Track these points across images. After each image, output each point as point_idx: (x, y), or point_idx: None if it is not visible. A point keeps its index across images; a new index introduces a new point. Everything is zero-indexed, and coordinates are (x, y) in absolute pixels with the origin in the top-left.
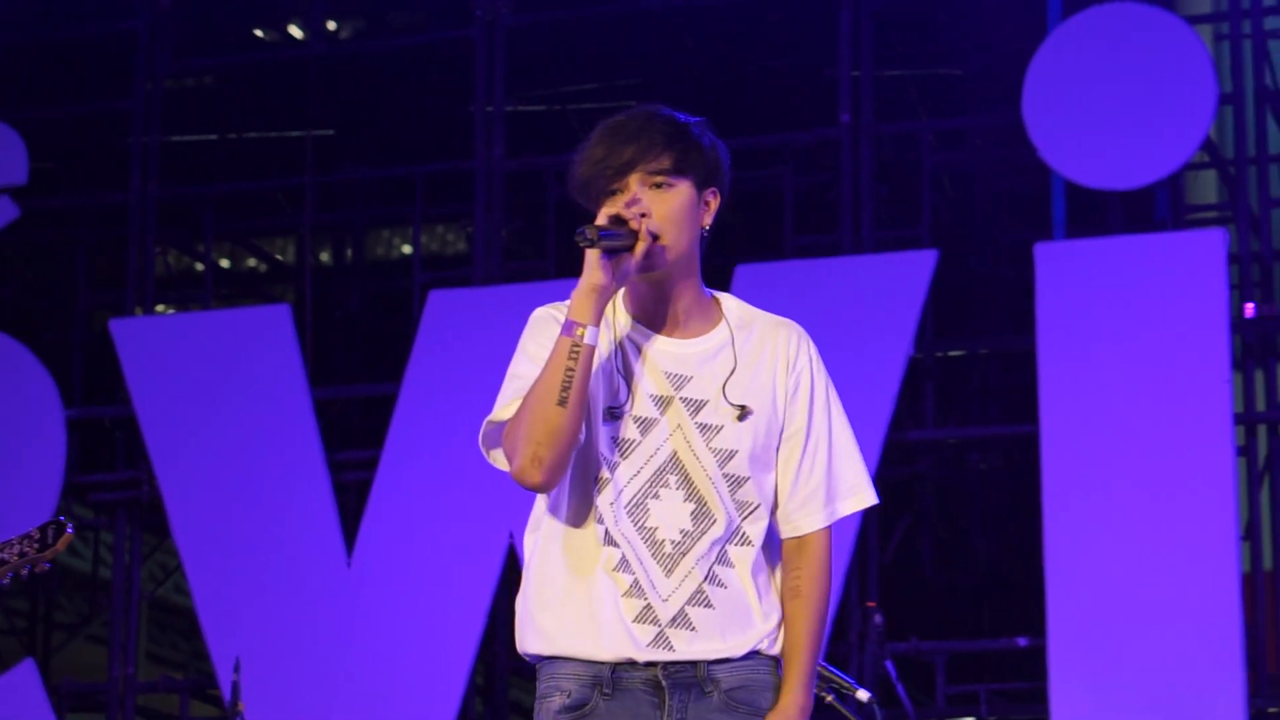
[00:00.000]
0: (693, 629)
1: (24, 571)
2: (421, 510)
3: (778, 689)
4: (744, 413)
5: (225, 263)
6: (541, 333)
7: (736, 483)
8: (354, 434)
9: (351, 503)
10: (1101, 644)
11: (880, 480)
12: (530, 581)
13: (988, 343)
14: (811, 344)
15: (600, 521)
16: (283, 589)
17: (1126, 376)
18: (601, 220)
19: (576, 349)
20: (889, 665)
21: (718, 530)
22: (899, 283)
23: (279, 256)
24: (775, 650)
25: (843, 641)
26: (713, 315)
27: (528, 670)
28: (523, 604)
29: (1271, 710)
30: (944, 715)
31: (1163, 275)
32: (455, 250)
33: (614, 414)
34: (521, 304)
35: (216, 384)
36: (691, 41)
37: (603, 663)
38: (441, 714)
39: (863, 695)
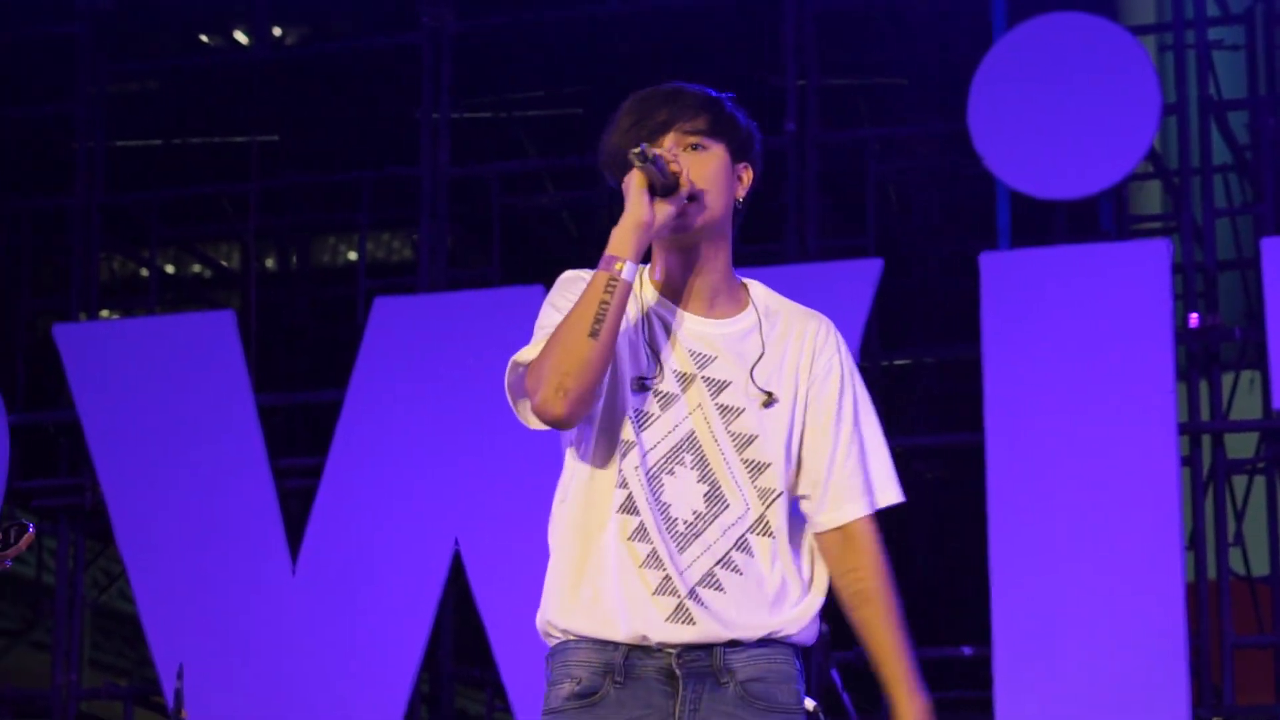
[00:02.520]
0: (706, 606)
1: None
2: (366, 517)
3: (797, 681)
4: (770, 399)
5: (170, 268)
6: (570, 288)
7: (757, 469)
8: (298, 441)
9: (296, 510)
10: (1046, 653)
11: None
12: (553, 555)
13: (933, 352)
14: (840, 336)
15: (624, 486)
16: (227, 596)
17: (1071, 386)
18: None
19: (614, 283)
20: (834, 674)
21: (731, 516)
22: (844, 291)
23: (224, 262)
24: (795, 638)
25: None
26: (740, 298)
27: (473, 678)
28: (549, 578)
29: None
30: None
31: (1107, 285)
32: (400, 257)
33: (643, 385)
34: (466, 312)
35: (160, 390)
36: (637, 49)
37: (616, 646)
38: None
39: (809, 704)
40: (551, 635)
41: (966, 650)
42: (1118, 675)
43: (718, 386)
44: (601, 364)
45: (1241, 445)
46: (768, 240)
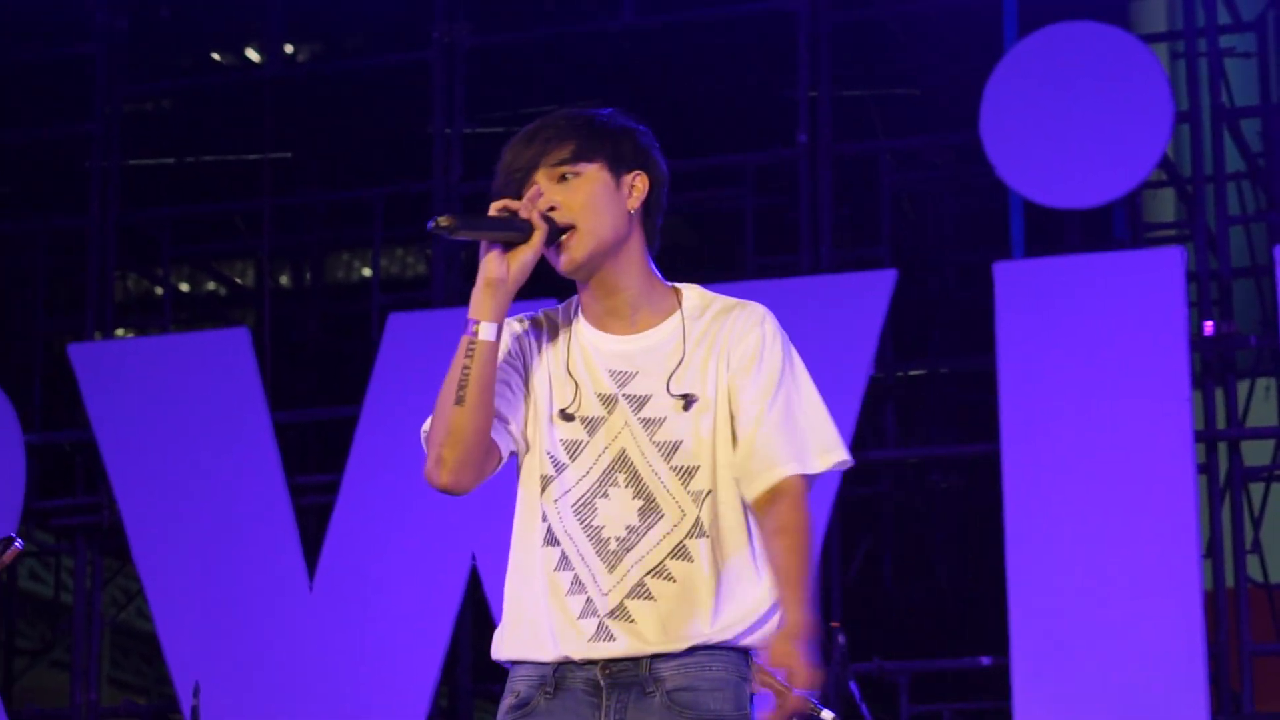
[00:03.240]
0: (631, 620)
1: None
2: (383, 533)
3: (736, 687)
4: (688, 401)
5: (185, 286)
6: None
7: (687, 474)
8: (314, 457)
9: (312, 526)
10: (1064, 662)
11: (842, 500)
12: (506, 597)
13: (948, 362)
14: (770, 320)
15: (544, 520)
16: (244, 613)
17: (1086, 395)
18: (492, 213)
19: (472, 345)
20: (853, 686)
21: (666, 525)
22: (859, 302)
23: (238, 280)
24: (740, 640)
25: None
26: (666, 307)
27: (492, 693)
28: (503, 610)
29: None
30: None
31: (1121, 294)
32: (415, 272)
33: (566, 415)
34: None
35: (176, 407)
36: (649, 63)
37: (546, 663)
38: None
39: (827, 716)
40: (503, 663)
41: (985, 660)
42: (1136, 684)
43: (639, 402)
44: (474, 429)
45: (1258, 452)
46: (782, 252)
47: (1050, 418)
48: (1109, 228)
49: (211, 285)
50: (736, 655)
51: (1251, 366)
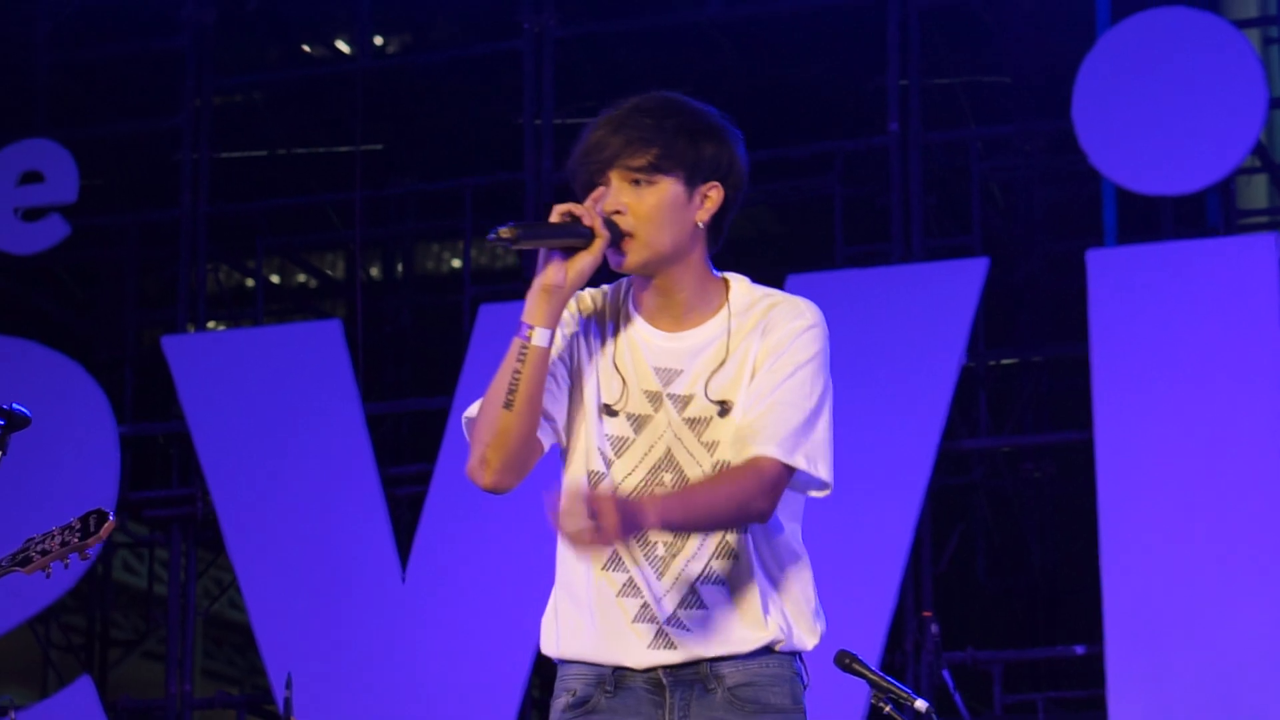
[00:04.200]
0: (687, 629)
1: (67, 559)
2: (475, 523)
3: (791, 683)
4: (724, 408)
5: (275, 278)
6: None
7: None
8: (406, 448)
9: (405, 517)
10: (1158, 651)
11: (934, 490)
12: (555, 583)
13: (1040, 350)
14: (814, 316)
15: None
16: (337, 604)
17: (1179, 382)
18: (555, 217)
19: (525, 350)
20: (946, 675)
21: None
22: (950, 291)
23: (329, 272)
24: (792, 640)
25: (899, 651)
26: (715, 304)
27: None
28: (549, 600)
29: None
30: None
31: (1215, 281)
32: (504, 264)
33: (610, 411)
34: None
35: (268, 400)
36: (738, 52)
37: (604, 665)
38: None
39: (920, 705)
40: (550, 656)
41: (1079, 649)
42: (1230, 673)
43: (683, 401)
44: (520, 433)
45: None
46: (874, 240)
47: (1143, 406)
48: (1203, 215)
49: (302, 277)
50: (790, 657)
51: None
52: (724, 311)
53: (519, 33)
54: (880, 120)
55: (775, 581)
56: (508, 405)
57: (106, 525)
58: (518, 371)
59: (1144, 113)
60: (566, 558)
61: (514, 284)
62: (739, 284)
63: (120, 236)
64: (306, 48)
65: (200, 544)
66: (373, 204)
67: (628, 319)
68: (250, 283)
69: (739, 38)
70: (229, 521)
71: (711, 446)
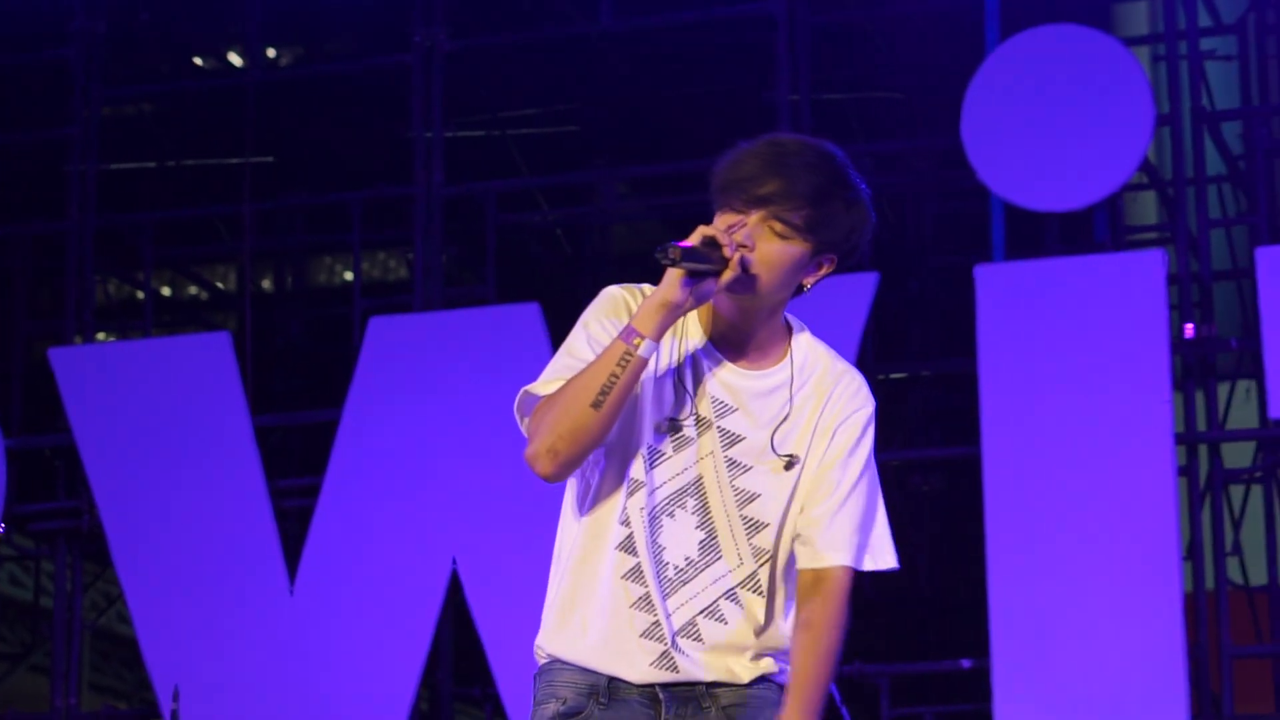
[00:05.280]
0: (685, 654)
1: None
2: (364, 537)
3: (775, 708)
4: (791, 461)
5: (166, 291)
6: (609, 314)
7: (755, 526)
8: (295, 461)
9: (293, 530)
10: (1045, 665)
11: None
12: (552, 576)
13: (929, 365)
14: (870, 400)
15: (626, 524)
16: (225, 617)
17: (1067, 397)
18: (695, 240)
19: (628, 357)
20: (833, 688)
21: (722, 568)
22: (840, 305)
23: (219, 284)
24: (784, 678)
25: None
26: (779, 350)
27: (472, 697)
28: (548, 598)
29: None
30: None
31: (1102, 296)
32: (396, 276)
33: (659, 427)
34: (462, 330)
35: (157, 412)
36: (630, 66)
37: (599, 673)
38: None
39: None
40: (540, 656)
41: (965, 663)
42: (1116, 686)
43: (731, 439)
44: (599, 434)
45: (1238, 455)
46: None
47: (1031, 420)
48: (1090, 231)
49: (193, 289)
50: (783, 687)
51: (1232, 369)
52: (786, 364)
53: (410, 46)
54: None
55: (778, 625)
56: (596, 405)
57: None
58: (615, 375)
59: (1032, 129)
60: (579, 556)
61: (404, 297)
62: (801, 336)
63: (8, 247)
64: (198, 59)
65: (87, 557)
66: (263, 216)
67: (693, 336)
68: (140, 295)
69: (630, 51)
70: (116, 534)
71: (743, 495)
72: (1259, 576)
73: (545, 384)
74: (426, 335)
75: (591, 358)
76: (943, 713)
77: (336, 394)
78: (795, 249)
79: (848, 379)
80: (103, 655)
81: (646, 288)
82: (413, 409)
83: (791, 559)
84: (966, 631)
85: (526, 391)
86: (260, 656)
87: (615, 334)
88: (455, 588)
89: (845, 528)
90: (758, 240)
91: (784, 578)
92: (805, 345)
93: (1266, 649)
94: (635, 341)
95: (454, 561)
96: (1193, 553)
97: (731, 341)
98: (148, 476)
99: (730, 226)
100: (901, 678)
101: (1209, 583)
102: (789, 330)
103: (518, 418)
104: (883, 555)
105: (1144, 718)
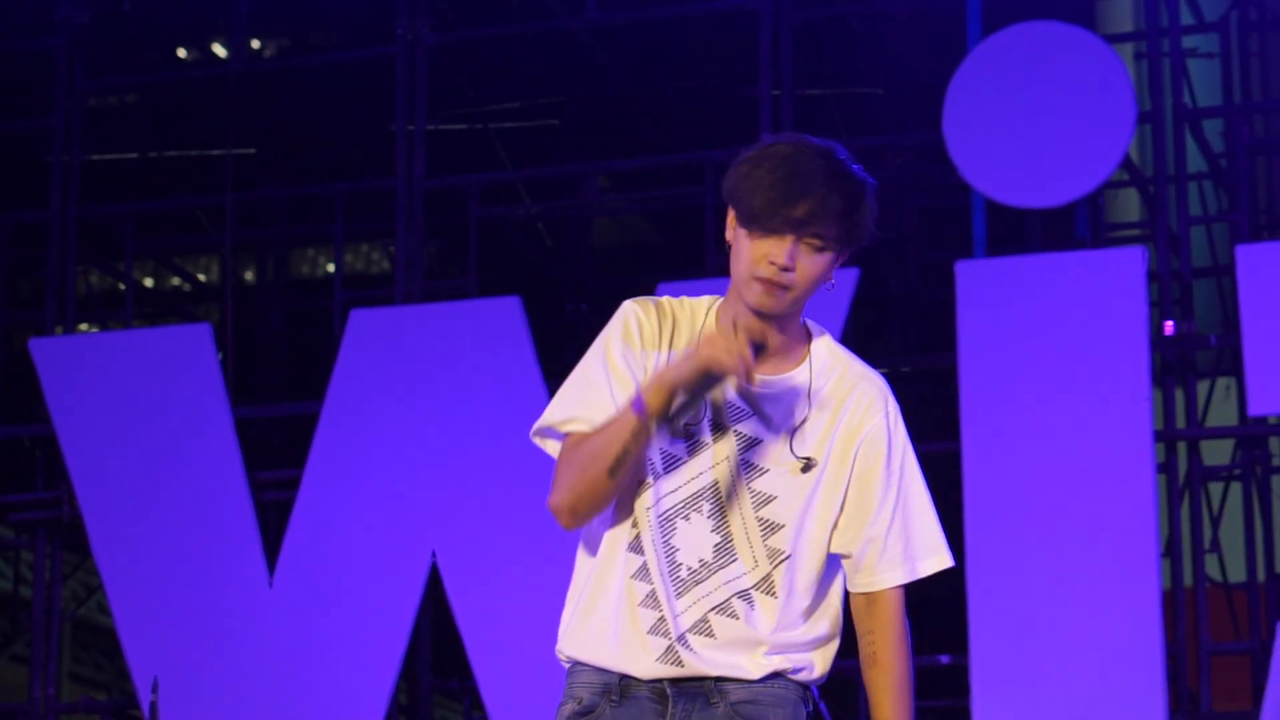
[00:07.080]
0: (693, 651)
1: None
2: (344, 530)
3: (795, 706)
4: (809, 464)
5: (148, 282)
6: (623, 337)
7: (771, 528)
8: (275, 453)
9: (273, 522)
10: (1023, 661)
11: None
12: (574, 580)
13: (909, 361)
14: (893, 402)
15: (634, 525)
16: (204, 609)
17: (1047, 394)
18: (724, 394)
19: (639, 431)
20: (813, 689)
21: (736, 570)
22: (821, 301)
23: (201, 275)
24: (798, 675)
25: None
26: (798, 354)
27: (451, 690)
28: (567, 600)
29: None
30: None
31: (1083, 293)
32: (378, 269)
33: (674, 432)
34: (443, 323)
35: (137, 403)
36: (613, 60)
37: (611, 671)
38: None
39: None
40: (562, 659)
41: (944, 659)
42: (1094, 682)
43: (747, 442)
44: (614, 495)
45: (1217, 452)
46: None
47: (1011, 416)
48: (1071, 227)
49: (174, 280)
50: (797, 685)
51: (1211, 366)
52: (805, 367)
53: (393, 39)
54: (752, 130)
55: (794, 627)
56: (611, 475)
57: None
58: (629, 447)
59: (1014, 126)
60: (596, 558)
61: (386, 289)
62: (821, 340)
63: None
64: (182, 51)
65: (67, 548)
66: (245, 208)
67: None
68: (121, 286)
69: (613, 45)
70: (95, 525)
71: (759, 497)
72: (1237, 574)
73: (564, 411)
74: (408, 328)
75: (605, 386)
76: (921, 708)
77: (317, 386)
78: (827, 259)
79: (865, 384)
80: (82, 646)
81: (665, 301)
82: (393, 402)
83: (808, 561)
84: (945, 627)
85: (547, 424)
86: (239, 648)
87: (630, 364)
88: (435, 581)
89: (896, 547)
90: (795, 255)
91: (801, 579)
92: (825, 349)
93: (1244, 645)
94: (646, 419)
95: (433, 554)
96: (1171, 550)
97: (750, 344)
98: (128, 467)
99: (763, 265)
100: None
101: (1187, 580)
102: (808, 334)
103: (537, 441)
104: (937, 554)
105: (1122, 714)
